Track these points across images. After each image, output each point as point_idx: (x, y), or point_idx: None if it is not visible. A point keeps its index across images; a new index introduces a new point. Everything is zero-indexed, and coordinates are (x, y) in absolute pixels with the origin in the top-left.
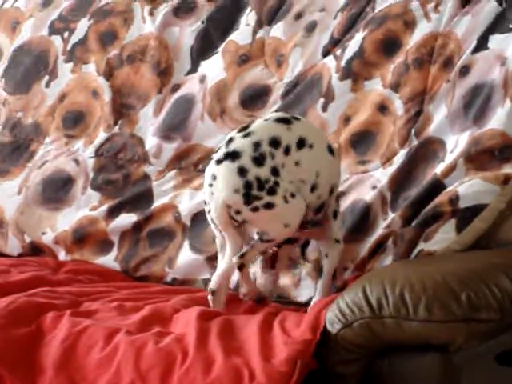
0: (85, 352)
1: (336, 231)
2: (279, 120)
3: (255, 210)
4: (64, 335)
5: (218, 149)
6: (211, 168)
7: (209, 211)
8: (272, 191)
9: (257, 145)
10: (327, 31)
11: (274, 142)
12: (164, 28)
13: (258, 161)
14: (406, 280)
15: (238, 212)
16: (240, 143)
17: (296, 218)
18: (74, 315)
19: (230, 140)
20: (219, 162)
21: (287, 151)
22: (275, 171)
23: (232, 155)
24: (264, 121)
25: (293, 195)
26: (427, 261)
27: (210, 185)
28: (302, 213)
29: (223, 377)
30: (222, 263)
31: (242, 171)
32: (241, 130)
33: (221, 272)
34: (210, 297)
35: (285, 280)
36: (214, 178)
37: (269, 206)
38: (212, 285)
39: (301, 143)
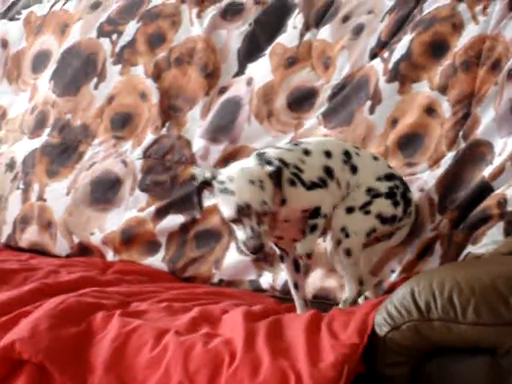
0: (134, 352)
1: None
2: None
3: None
4: (114, 335)
5: None
6: None
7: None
8: None
9: None
10: (374, 34)
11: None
12: (211, 30)
13: None
14: (454, 283)
15: None
16: None
17: None
18: (124, 315)
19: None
20: None
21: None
22: None
23: None
24: None
25: None
26: (475, 264)
27: None
28: None
29: (270, 379)
30: None
31: None
32: None
33: None
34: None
35: (330, 281)
36: None
37: None
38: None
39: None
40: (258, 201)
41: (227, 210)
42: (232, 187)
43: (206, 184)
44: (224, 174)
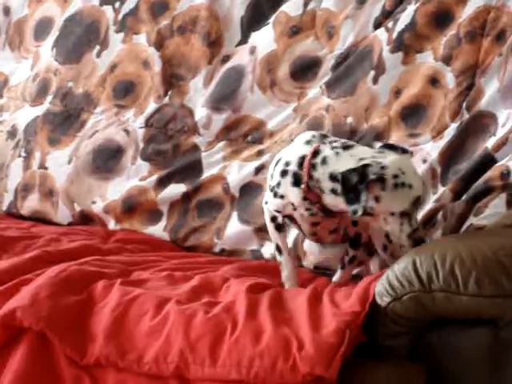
0: (135, 321)
1: None
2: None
3: None
4: (115, 304)
5: None
6: None
7: None
8: None
9: None
10: (379, 3)
11: None
12: None
13: None
14: (456, 254)
15: None
16: None
17: None
18: (125, 284)
19: None
20: None
21: None
22: None
23: None
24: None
25: None
26: (477, 235)
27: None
28: None
29: (272, 346)
30: None
31: None
32: None
33: None
34: None
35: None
36: None
37: None
38: None
39: None
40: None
41: (402, 203)
42: (408, 180)
43: (379, 180)
44: (390, 167)
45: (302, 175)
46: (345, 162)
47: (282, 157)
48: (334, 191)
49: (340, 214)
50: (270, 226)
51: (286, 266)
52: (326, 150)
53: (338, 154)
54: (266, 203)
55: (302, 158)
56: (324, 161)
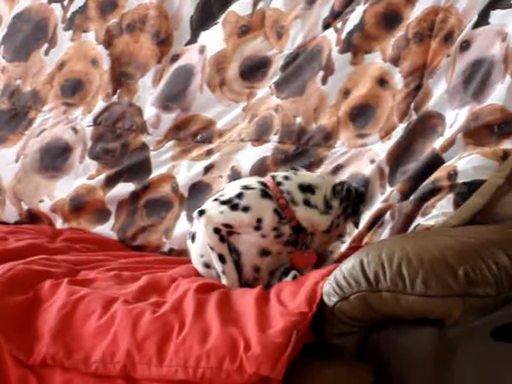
0: (82, 320)
1: None
2: None
3: None
4: (61, 303)
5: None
6: None
7: None
8: None
9: None
10: (328, 3)
11: None
12: None
13: None
14: (403, 254)
15: None
16: None
17: None
18: (72, 283)
19: None
20: None
21: None
22: None
23: None
24: None
25: None
26: (425, 235)
27: None
28: None
29: (219, 346)
30: None
31: None
32: None
33: None
34: None
35: None
36: None
37: None
38: None
39: None
40: None
41: None
42: None
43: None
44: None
45: (271, 191)
46: (309, 177)
47: (228, 189)
48: (306, 202)
49: (306, 237)
50: (214, 238)
51: (231, 275)
52: (282, 173)
53: (296, 174)
54: (202, 213)
55: (261, 182)
56: (286, 177)
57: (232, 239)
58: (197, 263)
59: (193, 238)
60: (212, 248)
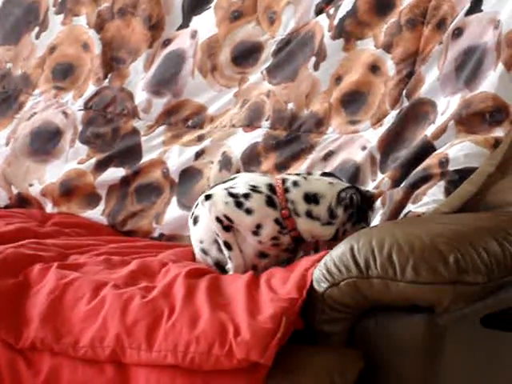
0: (71, 304)
1: None
2: None
3: None
4: (51, 287)
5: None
6: None
7: None
8: None
9: None
10: None
11: None
12: None
13: None
14: (393, 241)
15: None
16: None
17: None
18: (61, 268)
19: None
20: None
21: None
22: None
23: None
24: None
25: None
26: (415, 222)
27: None
28: None
29: (209, 331)
30: None
31: None
32: None
33: None
34: None
35: None
36: None
37: None
38: None
39: None
40: None
41: None
42: None
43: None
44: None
45: (276, 199)
46: (317, 185)
47: (240, 182)
48: (308, 214)
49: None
50: (217, 226)
51: (237, 260)
52: (293, 177)
53: (306, 179)
54: (208, 198)
55: (270, 185)
56: (295, 183)
57: (234, 233)
58: (195, 246)
59: (195, 220)
60: (217, 234)
